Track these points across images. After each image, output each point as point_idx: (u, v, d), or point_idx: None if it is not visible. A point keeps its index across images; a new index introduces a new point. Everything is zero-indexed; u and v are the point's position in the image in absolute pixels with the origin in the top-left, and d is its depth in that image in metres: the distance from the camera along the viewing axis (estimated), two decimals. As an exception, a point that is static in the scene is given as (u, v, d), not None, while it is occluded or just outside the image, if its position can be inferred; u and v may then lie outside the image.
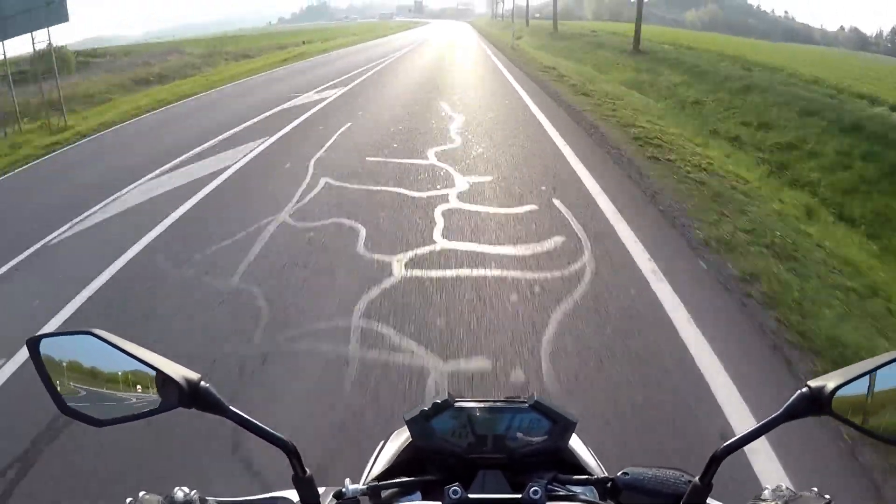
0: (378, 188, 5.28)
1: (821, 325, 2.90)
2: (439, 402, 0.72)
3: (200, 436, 2.26)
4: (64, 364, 0.66)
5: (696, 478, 0.64)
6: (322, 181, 5.53)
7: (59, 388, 0.65)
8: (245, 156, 6.89)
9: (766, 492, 0.66)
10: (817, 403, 0.61)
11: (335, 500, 0.70)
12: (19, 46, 12.51)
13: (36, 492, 2.14)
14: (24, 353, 2.90)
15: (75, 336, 0.64)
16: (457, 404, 0.72)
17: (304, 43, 30.95)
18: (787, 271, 3.50)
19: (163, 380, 0.63)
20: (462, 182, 5.35)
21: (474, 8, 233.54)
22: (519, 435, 0.72)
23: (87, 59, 23.53)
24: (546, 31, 33.13)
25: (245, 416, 0.65)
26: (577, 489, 0.72)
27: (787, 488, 0.65)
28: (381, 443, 0.88)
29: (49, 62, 11.35)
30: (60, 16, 10.40)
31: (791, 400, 0.62)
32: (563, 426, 0.72)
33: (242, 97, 12.54)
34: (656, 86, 12.52)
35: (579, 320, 3.02)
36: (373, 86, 12.90)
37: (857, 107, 9.95)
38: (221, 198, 5.41)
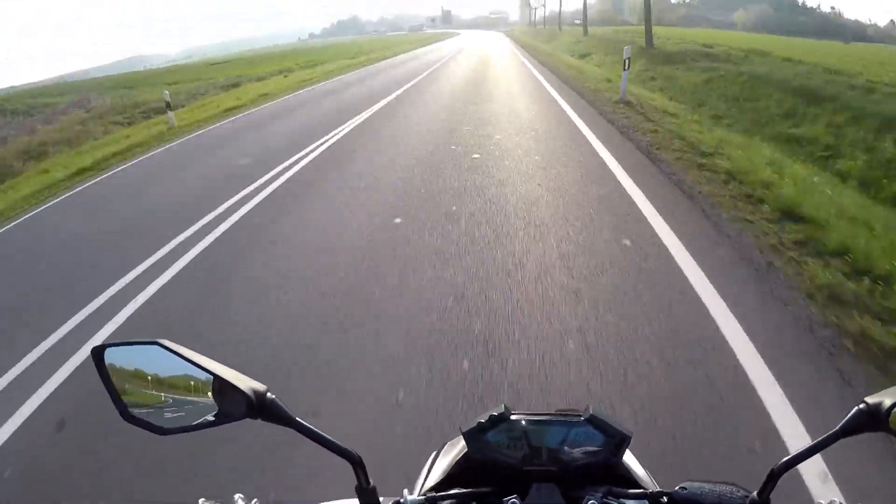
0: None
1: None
2: (496, 414, 0.73)
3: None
4: (128, 373, 0.67)
5: (754, 493, 0.65)
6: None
7: (122, 397, 0.66)
8: None
9: None
10: (875, 419, 0.61)
11: None
12: None
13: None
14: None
15: (141, 346, 0.65)
16: (513, 416, 0.73)
17: (283, 75, 24.73)
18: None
19: (229, 390, 0.64)
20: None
21: (507, 16, 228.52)
22: (573, 448, 0.73)
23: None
24: (616, 43, 24.19)
25: (311, 427, 0.66)
26: (631, 503, 0.72)
27: (841, 503, 0.66)
28: (434, 453, 0.90)
29: None
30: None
31: (848, 416, 0.62)
32: (617, 440, 0.72)
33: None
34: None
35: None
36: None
37: None
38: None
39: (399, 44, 50.67)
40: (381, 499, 0.72)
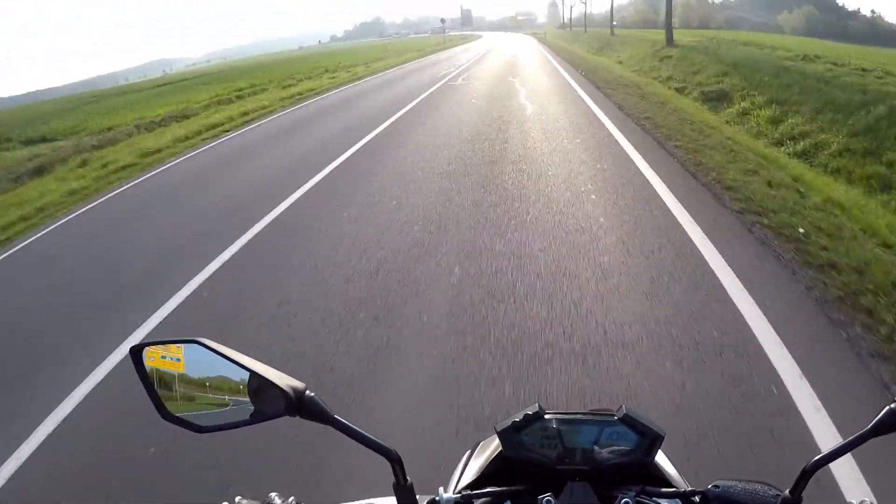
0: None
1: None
2: (530, 413, 0.75)
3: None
4: (167, 371, 0.69)
5: (786, 491, 0.66)
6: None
7: (161, 396, 0.68)
8: None
9: None
10: None
11: None
12: None
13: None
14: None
15: (179, 344, 0.67)
16: (546, 415, 0.75)
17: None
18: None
19: (268, 388, 0.66)
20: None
21: (535, 17, 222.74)
22: (606, 447, 0.75)
23: None
24: (701, 56, 16.86)
25: (349, 424, 0.68)
26: (665, 502, 0.74)
27: (872, 503, 0.67)
28: (468, 452, 0.92)
29: None
30: None
31: (880, 415, 0.64)
32: (650, 440, 0.74)
33: None
34: None
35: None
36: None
37: None
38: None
39: (407, 50, 45.15)
40: (417, 496, 0.74)
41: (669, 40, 21.89)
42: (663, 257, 3.97)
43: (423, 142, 8.55)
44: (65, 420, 3.09)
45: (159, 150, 11.20)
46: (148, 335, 3.83)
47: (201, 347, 0.66)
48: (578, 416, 0.76)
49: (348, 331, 3.40)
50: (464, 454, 0.96)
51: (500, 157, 7.18)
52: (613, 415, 0.75)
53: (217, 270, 4.67)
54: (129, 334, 3.84)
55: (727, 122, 10.58)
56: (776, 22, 73.26)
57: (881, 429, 0.63)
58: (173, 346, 0.69)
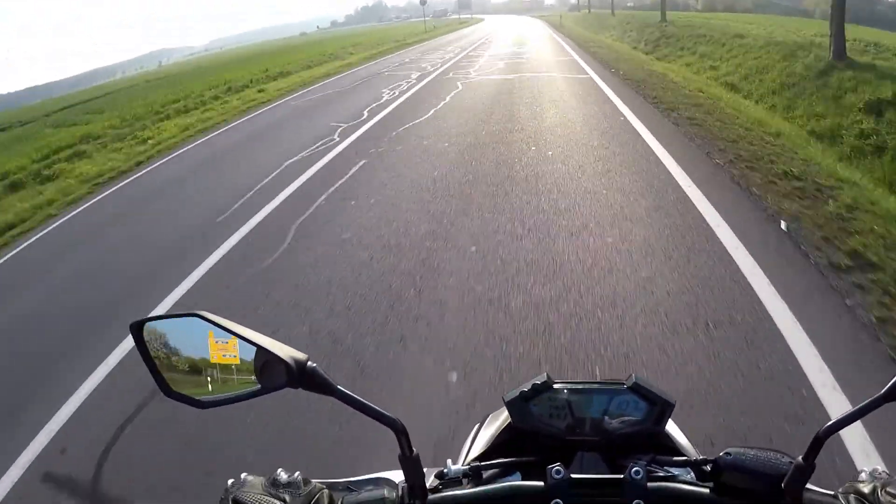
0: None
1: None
2: (538, 383, 0.75)
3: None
4: (168, 346, 0.69)
5: (799, 458, 0.66)
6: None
7: (162, 372, 0.68)
8: None
9: (862, 474, 0.69)
10: None
11: (437, 481, 0.75)
12: None
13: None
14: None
15: (180, 319, 0.67)
16: (555, 385, 0.76)
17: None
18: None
19: (270, 361, 0.66)
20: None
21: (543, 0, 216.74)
22: (616, 417, 0.76)
23: None
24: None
25: (353, 394, 0.68)
26: (676, 470, 0.75)
27: (884, 471, 0.68)
28: (477, 425, 0.92)
29: None
30: None
31: (893, 381, 0.63)
32: (661, 408, 0.75)
33: None
34: None
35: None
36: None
37: None
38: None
39: (403, 37, 40.15)
40: (424, 469, 0.74)
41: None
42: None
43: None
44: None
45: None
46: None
47: (201, 321, 0.66)
48: (587, 386, 0.77)
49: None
50: (473, 427, 0.96)
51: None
52: (623, 384, 0.76)
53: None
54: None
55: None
56: (803, 6, 71.69)
57: (894, 394, 0.63)
58: (174, 321, 0.69)
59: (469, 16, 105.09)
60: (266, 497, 0.65)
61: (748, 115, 8.41)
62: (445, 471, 0.74)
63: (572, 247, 4.21)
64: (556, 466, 0.69)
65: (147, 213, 7.10)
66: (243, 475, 0.68)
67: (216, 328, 0.66)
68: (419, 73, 16.42)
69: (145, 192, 8.07)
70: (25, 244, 6.81)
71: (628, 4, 50.36)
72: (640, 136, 7.00)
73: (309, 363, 0.67)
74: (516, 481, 0.74)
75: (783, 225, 4.18)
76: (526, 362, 2.98)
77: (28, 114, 29.29)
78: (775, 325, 3.02)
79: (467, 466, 0.75)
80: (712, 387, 2.63)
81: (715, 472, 0.70)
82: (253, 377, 0.67)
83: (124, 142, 12.60)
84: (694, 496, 0.69)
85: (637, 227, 4.43)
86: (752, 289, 3.38)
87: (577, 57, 17.11)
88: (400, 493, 0.71)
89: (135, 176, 9.23)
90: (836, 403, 2.43)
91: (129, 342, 3.65)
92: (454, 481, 0.74)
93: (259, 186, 6.80)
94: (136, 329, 0.69)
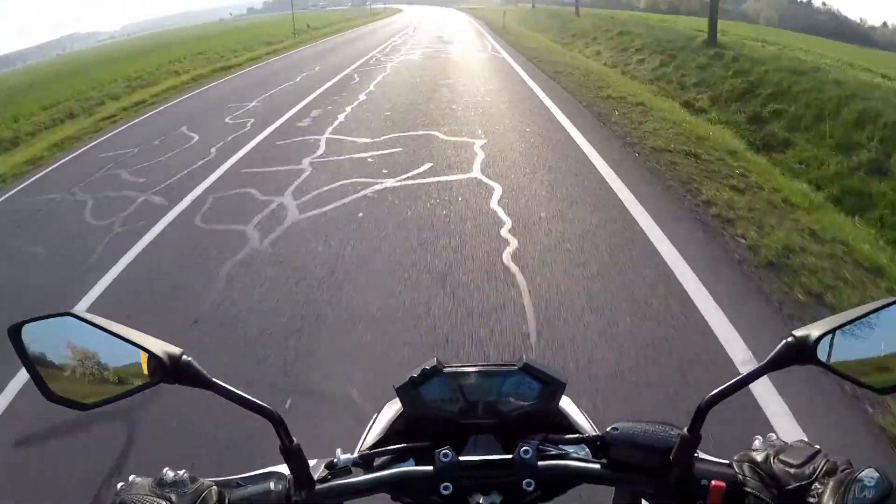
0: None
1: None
2: (427, 368, 0.76)
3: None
4: (45, 349, 0.68)
5: (685, 429, 0.68)
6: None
7: (42, 375, 0.67)
8: None
9: (756, 442, 0.72)
10: (803, 352, 0.65)
11: (327, 471, 0.75)
12: None
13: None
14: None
15: (55, 319, 0.67)
16: (445, 370, 0.77)
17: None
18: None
19: (146, 357, 0.67)
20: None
21: None
22: (509, 398, 0.77)
23: None
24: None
25: (229, 387, 0.68)
26: (569, 448, 0.77)
27: (778, 438, 0.71)
28: (374, 416, 0.92)
29: None
30: None
31: (776, 349, 0.66)
32: (552, 387, 0.77)
33: None
34: None
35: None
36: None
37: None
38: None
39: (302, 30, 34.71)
40: (313, 461, 0.74)
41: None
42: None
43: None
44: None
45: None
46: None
47: (75, 320, 0.66)
48: (478, 369, 0.78)
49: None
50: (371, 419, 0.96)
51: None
52: (514, 365, 0.77)
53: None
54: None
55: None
56: (743, 10, 72.95)
57: (777, 363, 0.66)
58: (49, 322, 0.69)
59: (382, 6, 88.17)
60: (150, 497, 0.65)
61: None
62: (335, 460, 0.75)
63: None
64: (445, 450, 0.70)
65: None
66: (131, 477, 0.68)
67: (90, 326, 0.66)
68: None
69: None
70: None
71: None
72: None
73: (184, 357, 0.67)
74: (408, 467, 0.75)
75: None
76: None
77: None
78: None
79: (357, 455, 0.76)
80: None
81: (605, 447, 0.72)
82: (130, 375, 0.68)
83: None
84: (585, 472, 0.72)
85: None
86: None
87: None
88: (287, 485, 0.71)
89: None
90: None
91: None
92: (344, 471, 0.75)
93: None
94: (14, 333, 0.68)
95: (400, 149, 7.22)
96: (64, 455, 2.84)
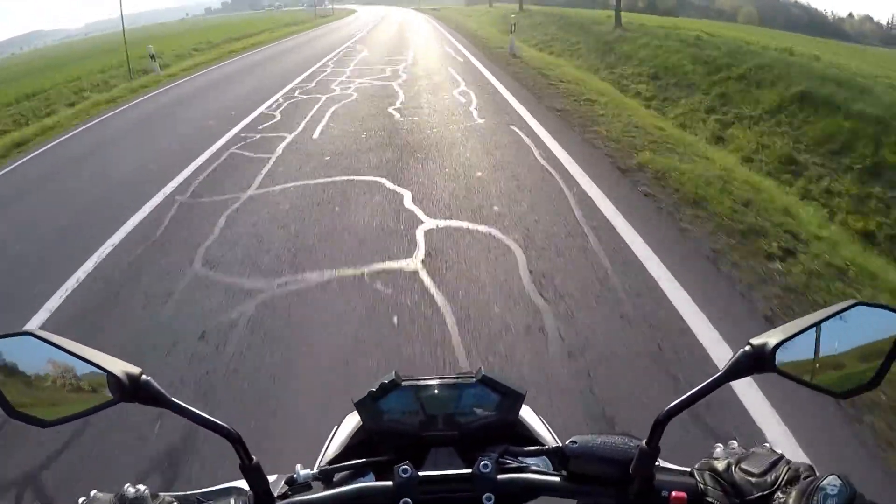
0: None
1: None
2: (386, 382, 0.77)
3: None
4: (7, 368, 0.70)
5: (643, 442, 0.68)
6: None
7: (2, 391, 0.68)
8: None
9: (717, 450, 0.72)
10: (760, 361, 0.64)
11: (287, 487, 0.75)
12: None
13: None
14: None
15: (14, 338, 0.68)
16: (404, 383, 0.77)
17: None
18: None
19: (105, 376, 0.68)
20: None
21: None
22: (469, 410, 0.78)
23: None
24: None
25: (187, 406, 0.69)
26: (529, 460, 0.77)
27: (739, 446, 0.71)
28: (335, 428, 0.92)
29: None
30: None
31: (733, 358, 0.65)
32: (511, 399, 0.77)
33: None
34: None
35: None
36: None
37: None
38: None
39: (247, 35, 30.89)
40: (273, 477, 0.75)
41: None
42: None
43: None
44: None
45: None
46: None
47: (34, 339, 0.67)
48: (436, 381, 0.79)
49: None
50: (330, 432, 0.95)
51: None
52: (472, 377, 0.78)
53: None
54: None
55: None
56: (719, 7, 71.99)
57: (735, 373, 0.65)
58: (9, 340, 0.69)
59: (330, 8, 74.53)
60: None
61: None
62: (295, 476, 0.75)
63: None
64: (404, 465, 0.69)
65: None
66: (92, 492, 0.69)
67: (49, 346, 0.66)
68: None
69: None
70: None
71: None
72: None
73: (143, 377, 0.68)
74: (367, 482, 0.74)
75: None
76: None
77: None
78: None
79: (317, 471, 0.76)
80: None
81: (565, 459, 0.71)
82: (90, 393, 0.69)
83: None
84: (545, 485, 0.71)
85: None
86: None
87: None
88: (247, 501, 0.71)
89: None
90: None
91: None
92: (304, 486, 0.74)
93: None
94: None
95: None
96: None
